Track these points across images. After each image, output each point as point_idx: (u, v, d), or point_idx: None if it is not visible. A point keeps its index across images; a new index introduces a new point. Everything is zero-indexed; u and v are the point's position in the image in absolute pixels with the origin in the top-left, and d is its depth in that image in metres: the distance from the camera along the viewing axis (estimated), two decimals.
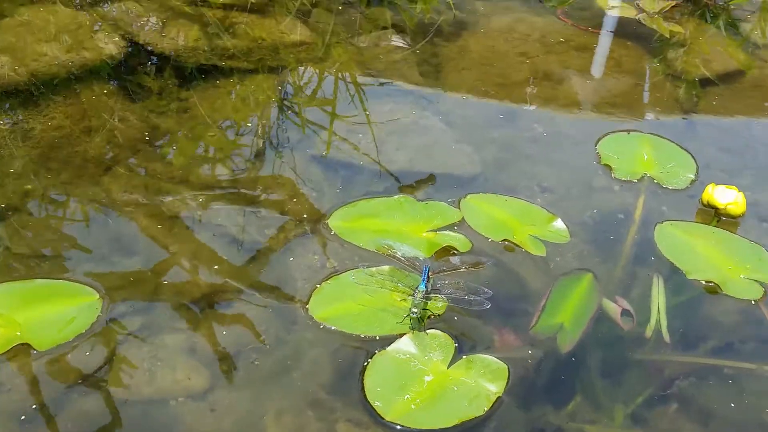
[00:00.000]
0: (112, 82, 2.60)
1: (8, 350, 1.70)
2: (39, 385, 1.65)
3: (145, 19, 2.98)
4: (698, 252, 2.10)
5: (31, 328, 1.75)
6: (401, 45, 3.01)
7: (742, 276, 2.02)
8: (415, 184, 2.29)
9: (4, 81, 2.50)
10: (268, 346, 1.78)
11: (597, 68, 3.00)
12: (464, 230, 2.10)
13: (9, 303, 1.80)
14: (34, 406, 1.62)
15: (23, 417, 1.60)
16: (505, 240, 2.08)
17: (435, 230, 2.10)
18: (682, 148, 2.50)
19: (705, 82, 2.95)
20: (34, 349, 1.71)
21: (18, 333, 1.73)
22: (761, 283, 2.00)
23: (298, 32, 2.98)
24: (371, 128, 2.52)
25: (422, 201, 2.19)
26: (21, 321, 1.76)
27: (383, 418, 1.64)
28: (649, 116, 2.74)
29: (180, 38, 2.86)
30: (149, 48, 2.81)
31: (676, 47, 3.16)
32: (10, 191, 2.12)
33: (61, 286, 1.87)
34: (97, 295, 1.84)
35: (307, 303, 1.86)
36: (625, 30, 3.25)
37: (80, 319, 1.78)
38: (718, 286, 1.99)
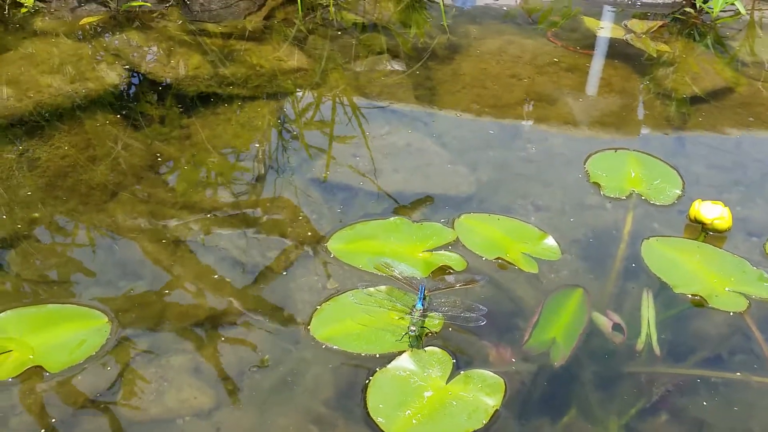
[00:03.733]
0: (115, 111, 2.67)
1: (21, 373, 1.76)
2: (50, 407, 1.71)
3: (146, 48, 3.06)
4: (684, 267, 2.16)
5: (43, 351, 1.82)
6: (396, 69, 3.08)
7: (727, 289, 2.08)
8: (411, 205, 2.35)
9: (9, 112, 2.58)
10: (270, 366, 1.84)
11: (591, 88, 3.07)
12: (459, 250, 2.17)
13: (22, 327, 1.87)
14: (43, 430, 1.67)
15: None
16: (498, 258, 2.14)
17: (430, 250, 2.16)
18: (667, 164, 2.57)
19: (694, 100, 3.02)
20: (47, 372, 1.77)
21: (31, 356, 1.80)
22: (745, 296, 2.06)
23: (295, 59, 3.06)
24: (369, 151, 2.58)
25: (417, 222, 2.25)
26: (34, 345, 1.83)
27: None
28: (639, 134, 2.81)
29: (180, 67, 2.94)
30: (150, 77, 2.88)
31: (664, 66, 3.23)
32: (18, 219, 2.18)
33: (71, 311, 1.93)
34: (106, 319, 1.91)
35: (308, 324, 1.92)
36: (614, 50, 3.33)
37: (90, 342, 1.85)
38: (704, 299, 2.04)
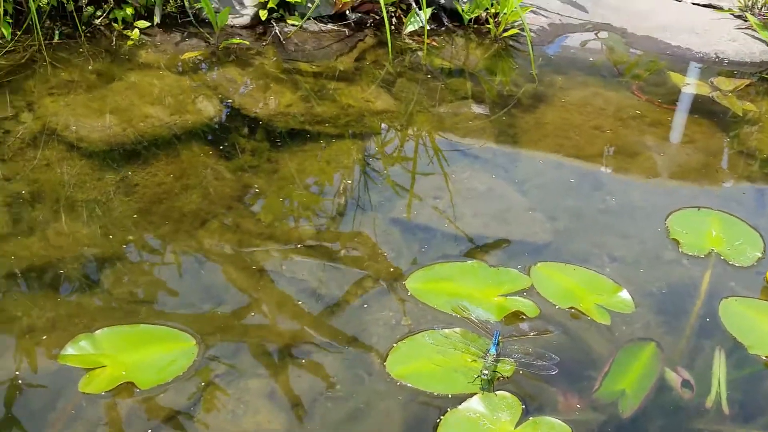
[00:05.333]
0: (210, 143, 2.79)
1: (114, 387, 1.87)
2: (136, 421, 1.80)
3: (242, 84, 3.20)
4: (761, 328, 2.16)
5: (135, 368, 1.92)
6: (480, 114, 3.15)
7: None
8: (488, 249, 2.40)
9: (112, 139, 2.72)
10: (342, 396, 1.90)
11: (674, 143, 3.08)
12: (533, 296, 2.21)
13: (117, 345, 1.98)
14: None
15: None
16: (571, 307, 2.17)
17: (505, 295, 2.21)
18: (750, 226, 2.56)
19: None
20: (137, 388, 1.87)
21: (124, 372, 1.90)
22: None
23: (383, 100, 3.15)
24: (450, 194, 2.64)
25: (494, 267, 2.30)
26: (127, 362, 1.94)
27: None
28: (720, 192, 2.81)
29: (273, 103, 3.05)
30: (244, 112, 3.01)
31: (749, 125, 3.23)
32: (114, 241, 2.30)
33: (163, 332, 2.03)
34: (194, 342, 2.00)
35: (384, 360, 1.99)
36: (699, 107, 3.33)
37: (179, 363, 1.95)
38: None
